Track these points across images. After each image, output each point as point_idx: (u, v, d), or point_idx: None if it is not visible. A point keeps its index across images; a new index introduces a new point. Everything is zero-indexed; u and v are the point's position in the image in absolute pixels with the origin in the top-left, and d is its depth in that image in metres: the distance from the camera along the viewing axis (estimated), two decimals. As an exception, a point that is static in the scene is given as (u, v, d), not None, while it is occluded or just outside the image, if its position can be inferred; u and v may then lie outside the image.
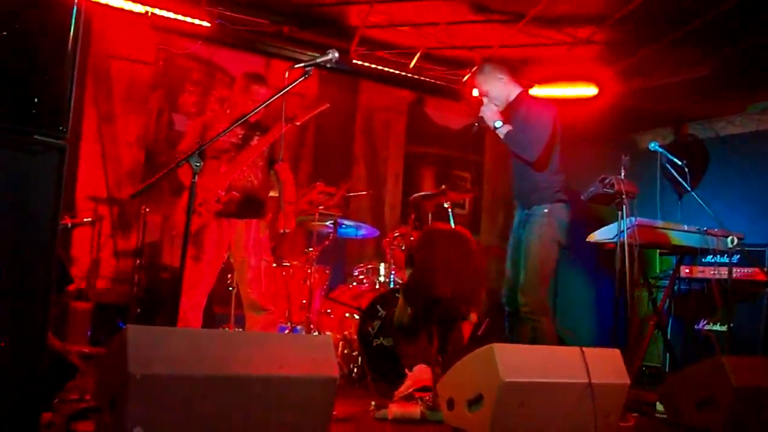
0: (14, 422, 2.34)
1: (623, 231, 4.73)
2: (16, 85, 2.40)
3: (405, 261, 5.39)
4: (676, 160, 5.32)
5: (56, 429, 3.02)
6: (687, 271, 6.11)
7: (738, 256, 5.61)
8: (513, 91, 4.83)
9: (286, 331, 5.74)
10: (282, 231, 4.79)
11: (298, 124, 4.73)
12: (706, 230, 5.37)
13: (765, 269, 5.74)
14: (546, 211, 4.64)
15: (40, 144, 2.41)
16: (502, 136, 4.67)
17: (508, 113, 4.74)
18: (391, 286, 5.96)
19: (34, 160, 2.40)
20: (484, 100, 4.80)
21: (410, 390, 4.48)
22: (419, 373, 4.56)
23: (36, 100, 2.42)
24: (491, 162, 9.54)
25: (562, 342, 4.78)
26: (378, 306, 5.60)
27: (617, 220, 4.86)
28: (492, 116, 4.69)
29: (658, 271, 7.05)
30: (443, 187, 6.35)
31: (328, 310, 6.10)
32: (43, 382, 2.43)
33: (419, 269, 4.94)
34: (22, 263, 2.36)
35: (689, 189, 5.20)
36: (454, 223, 6.40)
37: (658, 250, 6.69)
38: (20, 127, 2.39)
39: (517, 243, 4.79)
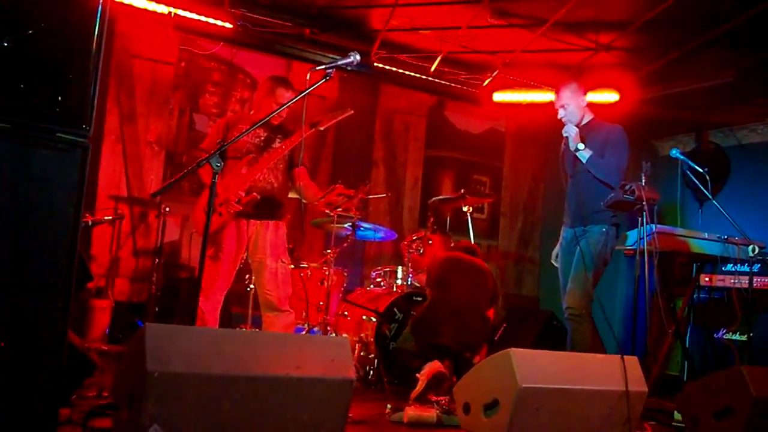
0: (32, 418, 2.35)
1: (643, 238, 4.71)
2: (40, 83, 2.41)
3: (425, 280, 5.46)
4: (697, 167, 5.29)
5: (74, 425, 3.04)
6: (707, 279, 6.06)
7: (759, 265, 5.56)
8: (587, 115, 5.08)
9: (303, 333, 5.75)
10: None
11: (321, 129, 4.73)
12: (726, 238, 5.33)
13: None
14: (604, 230, 4.85)
15: (63, 142, 2.43)
16: (584, 160, 4.85)
17: (580, 135, 4.90)
18: (408, 288, 5.96)
19: (57, 157, 2.41)
20: (561, 112, 5.00)
21: (425, 383, 4.49)
22: (430, 367, 4.57)
23: (60, 98, 2.43)
24: (510, 168, 9.53)
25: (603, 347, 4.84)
26: (395, 309, 5.60)
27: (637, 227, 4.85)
28: (575, 138, 4.85)
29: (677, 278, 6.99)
30: (462, 191, 6.35)
31: (345, 313, 6.10)
32: (61, 378, 2.44)
33: (429, 311, 5.03)
34: (43, 259, 2.38)
35: (710, 197, 5.16)
36: (473, 229, 6.41)
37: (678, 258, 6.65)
38: (44, 124, 2.41)
39: (569, 259, 4.93)
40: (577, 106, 4.99)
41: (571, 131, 4.85)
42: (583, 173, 4.87)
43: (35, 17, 2.40)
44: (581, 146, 4.81)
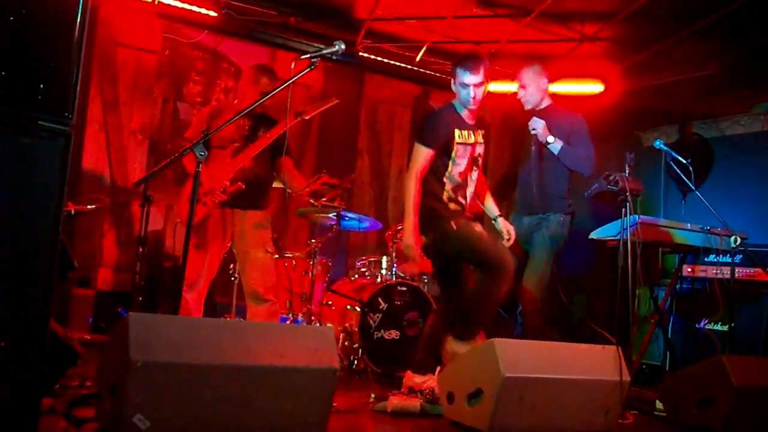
0: (15, 407, 2.34)
1: (626, 228, 4.73)
2: (22, 70, 2.39)
3: None
4: (680, 158, 5.31)
5: (57, 415, 3.03)
6: (689, 270, 6.11)
7: (741, 256, 5.60)
8: (546, 99, 5.05)
9: (288, 322, 5.75)
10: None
11: (306, 118, 4.73)
12: (709, 229, 5.36)
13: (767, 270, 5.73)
14: (561, 219, 4.89)
15: (45, 130, 2.41)
16: (555, 152, 4.84)
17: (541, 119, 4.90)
18: (393, 279, 5.96)
19: (39, 145, 2.39)
20: (520, 92, 5.02)
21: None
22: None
23: (42, 86, 2.41)
24: (494, 158, 9.53)
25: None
26: (379, 299, 5.61)
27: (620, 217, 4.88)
28: (544, 132, 4.82)
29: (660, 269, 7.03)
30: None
31: (330, 302, 6.11)
32: (44, 368, 2.43)
33: None
34: (25, 248, 2.36)
35: (693, 188, 5.19)
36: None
37: (661, 249, 6.68)
38: (26, 112, 2.38)
39: (525, 248, 4.95)
40: (537, 87, 4.98)
41: (538, 125, 4.81)
42: (548, 161, 4.88)
43: (17, 4, 2.37)
44: (551, 139, 4.80)
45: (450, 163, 4.52)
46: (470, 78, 4.42)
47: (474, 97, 4.46)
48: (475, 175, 4.67)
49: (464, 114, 4.58)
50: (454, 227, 4.46)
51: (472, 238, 4.49)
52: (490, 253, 4.42)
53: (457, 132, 4.49)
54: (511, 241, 4.69)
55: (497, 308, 4.65)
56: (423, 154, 4.48)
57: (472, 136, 4.58)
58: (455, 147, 4.49)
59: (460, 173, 4.57)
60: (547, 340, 4.55)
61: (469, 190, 4.68)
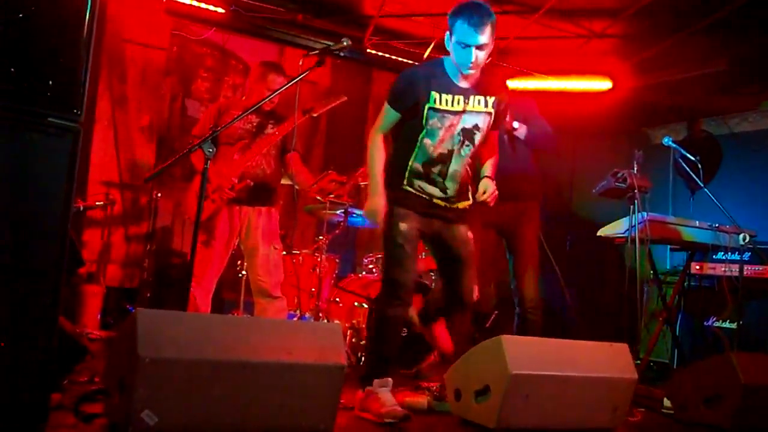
0: (24, 403, 2.35)
1: (634, 226, 4.72)
2: (31, 67, 2.40)
3: None
4: (689, 155, 5.30)
5: (65, 410, 3.04)
6: (698, 267, 6.08)
7: (749, 253, 5.58)
8: None
9: (295, 319, 5.75)
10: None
11: (315, 115, 4.73)
12: (717, 227, 5.35)
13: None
14: (540, 208, 4.79)
15: (53, 126, 2.42)
16: (522, 137, 4.65)
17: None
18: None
19: (48, 142, 2.40)
20: None
21: None
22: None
23: (51, 82, 2.42)
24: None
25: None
26: (387, 295, 5.59)
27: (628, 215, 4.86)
28: (510, 119, 4.62)
29: (668, 266, 7.02)
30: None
31: (337, 299, 6.11)
32: (53, 364, 2.44)
33: None
34: (34, 244, 2.37)
35: (702, 185, 5.18)
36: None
37: (669, 246, 6.67)
38: (34, 109, 2.39)
39: (511, 238, 4.80)
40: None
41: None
42: (519, 148, 4.73)
43: (26, 1, 2.38)
44: (516, 125, 4.61)
45: (422, 132, 3.70)
46: (473, 38, 3.54)
47: (474, 61, 3.57)
48: (466, 151, 3.76)
49: (457, 75, 3.69)
50: (394, 221, 3.75)
51: (394, 245, 3.75)
52: (392, 272, 3.75)
53: (434, 95, 3.62)
54: (486, 197, 3.75)
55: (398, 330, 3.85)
56: (388, 117, 3.77)
57: (461, 102, 3.67)
58: (426, 112, 3.62)
59: (435, 147, 3.71)
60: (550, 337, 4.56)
61: (454, 171, 3.78)
